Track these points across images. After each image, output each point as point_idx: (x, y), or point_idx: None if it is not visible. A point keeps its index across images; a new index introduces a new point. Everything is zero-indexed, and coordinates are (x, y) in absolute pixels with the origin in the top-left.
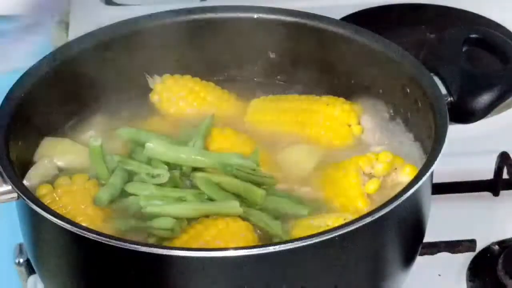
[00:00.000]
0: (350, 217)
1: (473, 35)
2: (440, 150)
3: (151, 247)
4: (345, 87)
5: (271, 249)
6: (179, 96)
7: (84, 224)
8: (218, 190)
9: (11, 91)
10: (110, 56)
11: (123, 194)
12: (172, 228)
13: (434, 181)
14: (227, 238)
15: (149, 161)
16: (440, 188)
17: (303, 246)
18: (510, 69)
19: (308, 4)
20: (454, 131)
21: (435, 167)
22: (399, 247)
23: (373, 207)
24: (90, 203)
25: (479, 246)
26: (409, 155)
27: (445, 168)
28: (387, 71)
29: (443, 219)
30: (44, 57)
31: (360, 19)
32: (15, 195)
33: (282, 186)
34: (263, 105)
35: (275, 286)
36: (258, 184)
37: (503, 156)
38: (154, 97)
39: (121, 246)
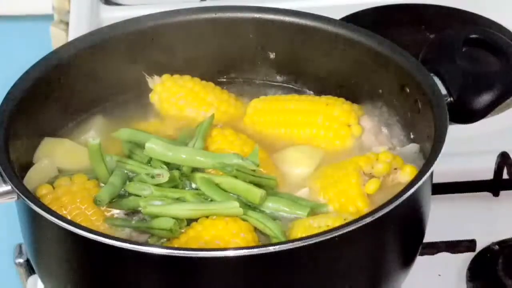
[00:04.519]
0: (350, 217)
1: (473, 35)
2: (440, 150)
3: (151, 247)
4: (345, 87)
5: (271, 249)
6: (178, 96)
7: (84, 224)
8: (218, 191)
9: (11, 91)
10: (110, 56)
11: (123, 194)
12: (172, 228)
13: (434, 181)
14: (227, 238)
15: (149, 162)
16: (440, 188)
17: (303, 246)
18: (510, 69)
19: (308, 4)
20: (454, 131)
21: (435, 167)
22: (399, 247)
23: (373, 207)
24: (90, 203)
25: (479, 246)
26: (409, 155)
27: (445, 168)
28: (387, 71)
29: (443, 219)
30: (44, 57)
31: (360, 19)
32: (15, 195)
33: (281, 187)
34: (263, 105)
35: (275, 286)
36: (258, 185)
37: (503, 156)
38: (154, 98)
39: (121, 246)
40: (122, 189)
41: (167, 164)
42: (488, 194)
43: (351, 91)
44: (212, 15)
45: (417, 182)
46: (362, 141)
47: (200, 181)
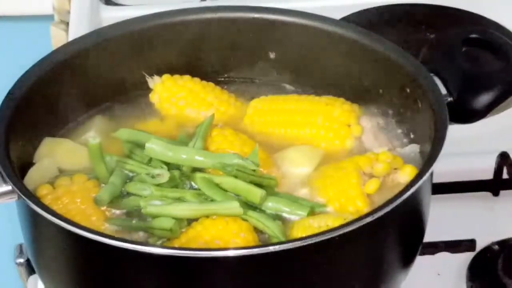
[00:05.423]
0: (350, 217)
1: (473, 35)
2: (440, 150)
3: (151, 247)
4: (345, 87)
5: (271, 249)
6: (178, 96)
7: (84, 224)
8: (218, 191)
9: (11, 91)
10: (110, 56)
11: (123, 194)
12: (172, 228)
13: (434, 181)
14: (227, 238)
15: (149, 162)
16: (440, 188)
17: (303, 246)
18: (510, 69)
19: (308, 4)
20: (454, 131)
21: (435, 167)
22: (399, 247)
23: (373, 207)
24: (91, 203)
25: (479, 246)
26: (409, 155)
27: (445, 168)
28: (387, 71)
29: (443, 219)
30: (44, 57)
31: (360, 19)
32: (15, 195)
33: (281, 187)
34: (263, 106)
35: (275, 286)
36: (258, 185)
37: (503, 156)
38: (154, 98)
39: (121, 246)
40: (123, 189)
41: (167, 164)
42: (488, 194)
43: (351, 91)
44: (212, 15)
45: (417, 182)
46: (362, 141)
47: (200, 181)
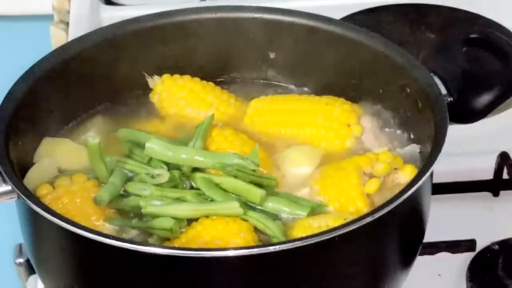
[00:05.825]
0: (350, 217)
1: (473, 35)
2: (440, 150)
3: (151, 247)
4: (345, 87)
5: (271, 249)
6: (179, 96)
7: (84, 224)
8: (218, 191)
9: (11, 91)
10: (110, 56)
11: (123, 194)
12: (172, 228)
13: (434, 181)
14: (227, 238)
15: (149, 162)
16: (440, 188)
17: (303, 246)
18: (510, 69)
19: (308, 4)
20: (454, 131)
21: (435, 167)
22: (399, 247)
23: (373, 207)
24: (90, 203)
25: (479, 246)
26: (409, 155)
27: (445, 168)
28: (387, 71)
29: (443, 219)
30: (44, 57)
31: (360, 19)
32: (15, 195)
33: (281, 187)
34: (263, 105)
35: (275, 286)
36: (258, 185)
37: (503, 156)
38: (154, 98)
39: (121, 246)
40: (122, 189)
41: (167, 164)
42: (488, 194)
43: (351, 91)
44: (212, 15)
45: (417, 182)
46: (362, 141)
47: (200, 181)
